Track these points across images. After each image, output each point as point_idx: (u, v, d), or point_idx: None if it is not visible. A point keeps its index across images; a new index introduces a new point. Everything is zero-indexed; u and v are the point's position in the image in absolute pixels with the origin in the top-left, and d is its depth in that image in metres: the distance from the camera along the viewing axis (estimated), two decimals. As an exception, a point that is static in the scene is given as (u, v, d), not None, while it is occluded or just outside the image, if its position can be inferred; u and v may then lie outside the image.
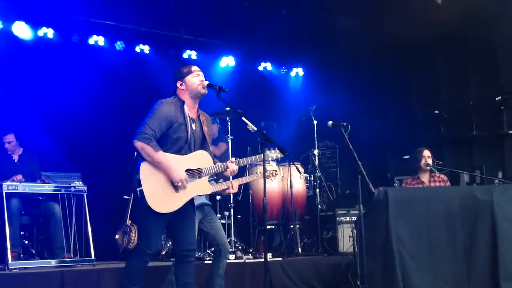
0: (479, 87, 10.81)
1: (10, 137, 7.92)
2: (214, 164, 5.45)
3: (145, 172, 5.13)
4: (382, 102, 11.42)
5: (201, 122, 5.47)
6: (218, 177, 6.64)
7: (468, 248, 6.46)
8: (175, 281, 5.44)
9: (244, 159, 5.63)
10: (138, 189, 5.10)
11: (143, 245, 5.22)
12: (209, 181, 5.70)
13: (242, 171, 8.52)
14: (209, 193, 5.79)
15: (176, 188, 5.21)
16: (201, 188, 5.44)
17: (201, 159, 5.41)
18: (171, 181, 5.19)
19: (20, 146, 8.08)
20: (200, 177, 5.36)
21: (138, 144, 5.11)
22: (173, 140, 5.23)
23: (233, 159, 5.56)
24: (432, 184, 7.88)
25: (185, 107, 5.33)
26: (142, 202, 5.12)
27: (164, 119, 5.18)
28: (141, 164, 5.12)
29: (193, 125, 5.35)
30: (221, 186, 6.68)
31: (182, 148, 5.28)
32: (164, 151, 5.16)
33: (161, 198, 5.15)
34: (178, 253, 5.42)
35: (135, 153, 5.52)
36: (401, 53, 11.05)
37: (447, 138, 10.77)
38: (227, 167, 5.46)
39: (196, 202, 6.11)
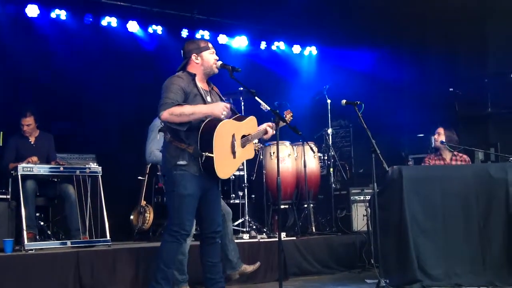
0: (494, 64, 10.72)
1: (30, 120, 7.90)
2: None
3: (218, 138, 5.05)
4: (396, 80, 11.34)
5: (216, 93, 5.47)
6: None
7: (483, 226, 6.47)
8: (201, 261, 5.37)
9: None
10: (207, 154, 4.99)
11: (175, 225, 5.10)
12: None
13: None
14: (253, 156, 5.79)
15: (234, 153, 5.21)
16: (249, 153, 5.53)
17: (252, 124, 5.48)
18: (232, 146, 5.20)
19: (37, 129, 8.10)
20: (249, 142, 5.42)
21: (165, 114, 4.97)
22: None
23: (270, 123, 5.58)
24: (453, 163, 7.85)
25: (196, 80, 5.29)
26: (175, 178, 5.07)
27: (179, 89, 5.09)
28: (217, 129, 5.02)
29: (208, 98, 5.30)
30: None
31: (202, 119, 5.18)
32: (188, 127, 5.05)
33: (224, 163, 5.12)
34: (204, 235, 5.35)
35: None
36: (416, 31, 10.96)
37: (462, 115, 10.70)
38: (267, 132, 5.53)
39: None
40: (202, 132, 5.06)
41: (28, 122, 7.91)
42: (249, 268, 6.69)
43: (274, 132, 5.59)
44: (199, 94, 5.24)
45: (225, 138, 5.17)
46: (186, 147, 5.05)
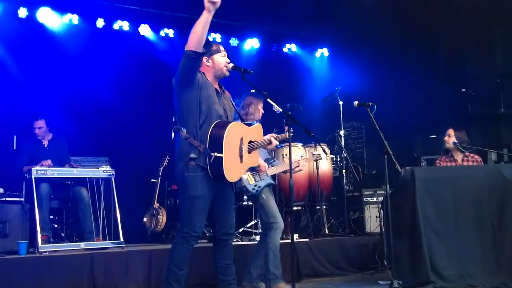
0: (505, 64, 10.68)
1: (41, 123, 8.02)
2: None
3: (228, 139, 5.03)
4: (408, 81, 11.33)
5: (228, 97, 5.48)
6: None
7: (496, 227, 6.44)
8: (214, 263, 5.36)
9: (282, 135, 5.80)
10: (216, 154, 4.97)
11: (186, 227, 5.10)
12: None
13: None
14: (257, 165, 5.88)
15: (241, 157, 5.21)
16: (254, 160, 5.54)
17: (258, 132, 5.49)
18: (240, 149, 5.20)
19: (49, 132, 8.17)
20: (254, 149, 5.41)
21: (187, 47, 5.05)
22: (206, 98, 5.14)
23: (274, 134, 5.64)
24: (465, 163, 7.83)
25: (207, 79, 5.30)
26: (187, 180, 5.06)
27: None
28: (227, 129, 5.02)
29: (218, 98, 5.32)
30: (285, 167, 6.73)
31: (218, 113, 5.20)
32: (199, 116, 5.09)
33: (232, 166, 5.09)
34: (217, 237, 5.33)
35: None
36: (426, 31, 10.94)
37: (474, 116, 10.66)
38: (271, 142, 5.56)
39: (267, 182, 6.39)
40: (212, 132, 5.06)
41: (40, 125, 8.00)
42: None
43: (278, 143, 5.66)
44: (214, 89, 5.25)
45: (234, 140, 5.16)
46: (198, 145, 5.06)
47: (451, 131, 7.93)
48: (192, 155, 5.05)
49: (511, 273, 6.30)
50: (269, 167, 6.56)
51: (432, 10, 10.31)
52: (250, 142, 5.35)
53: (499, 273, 6.33)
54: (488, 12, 10.49)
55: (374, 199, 9.00)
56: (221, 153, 4.98)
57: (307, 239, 8.09)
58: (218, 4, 4.86)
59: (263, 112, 6.78)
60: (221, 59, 5.34)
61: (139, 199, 9.08)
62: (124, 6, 10.03)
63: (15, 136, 8.27)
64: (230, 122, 5.14)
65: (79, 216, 7.56)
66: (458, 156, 7.93)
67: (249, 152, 5.34)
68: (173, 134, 6.53)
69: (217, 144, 5.01)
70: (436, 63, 11.33)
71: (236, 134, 5.18)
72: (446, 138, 7.94)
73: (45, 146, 8.08)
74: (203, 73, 5.28)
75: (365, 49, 11.47)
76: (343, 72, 11.65)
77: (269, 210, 6.41)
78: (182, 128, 5.14)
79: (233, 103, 5.52)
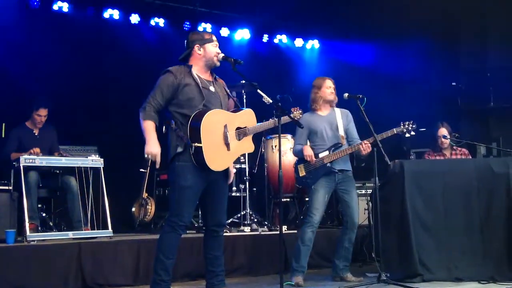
0: (496, 58, 10.70)
1: (46, 111, 7.99)
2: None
3: (206, 128, 5.04)
4: (399, 74, 11.32)
5: (221, 84, 5.48)
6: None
7: (484, 221, 6.46)
8: (204, 254, 5.39)
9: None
10: (196, 144, 4.99)
11: (174, 216, 5.12)
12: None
13: (257, 144, 8.53)
14: (252, 151, 5.75)
15: (228, 146, 5.20)
16: (247, 147, 5.48)
17: (248, 117, 5.45)
18: (225, 137, 5.19)
19: (41, 121, 8.14)
20: (246, 135, 5.38)
21: (141, 114, 5.23)
22: (185, 102, 5.17)
23: (275, 118, 5.59)
24: (454, 157, 7.87)
25: (193, 71, 5.28)
26: (177, 169, 5.10)
27: (165, 87, 5.19)
28: (203, 119, 5.03)
29: (210, 87, 5.31)
30: (352, 148, 6.67)
31: (199, 108, 5.18)
32: (182, 114, 5.14)
33: (215, 155, 5.09)
34: (207, 227, 5.36)
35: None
36: (418, 24, 10.94)
37: (464, 110, 10.69)
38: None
39: (324, 170, 6.48)
40: (191, 124, 5.08)
41: (45, 113, 7.97)
42: (351, 278, 6.65)
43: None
44: (195, 84, 5.23)
45: (215, 128, 5.14)
46: (182, 137, 5.09)
47: (445, 131, 7.97)
48: (179, 150, 5.09)
49: (497, 267, 6.34)
50: (329, 153, 6.57)
51: (426, 3, 10.30)
52: (238, 128, 5.33)
53: (486, 267, 6.36)
54: (483, 6, 10.50)
55: (363, 191, 9.03)
56: (200, 143, 4.99)
57: (296, 231, 8.08)
58: None
59: (333, 91, 6.94)
60: (212, 49, 5.35)
61: (127, 189, 9.05)
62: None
63: (3, 124, 8.22)
64: (208, 111, 5.14)
65: (68, 205, 7.53)
66: (447, 150, 7.97)
67: (239, 138, 5.32)
68: (164, 128, 6.53)
69: (196, 134, 5.03)
70: (427, 56, 11.32)
71: (216, 122, 5.16)
72: (443, 140, 7.98)
73: (36, 134, 8.04)
74: (189, 67, 5.29)
75: (356, 42, 11.46)
76: (333, 64, 11.64)
77: (310, 203, 6.60)
78: (172, 121, 5.18)
79: (227, 91, 5.51)
